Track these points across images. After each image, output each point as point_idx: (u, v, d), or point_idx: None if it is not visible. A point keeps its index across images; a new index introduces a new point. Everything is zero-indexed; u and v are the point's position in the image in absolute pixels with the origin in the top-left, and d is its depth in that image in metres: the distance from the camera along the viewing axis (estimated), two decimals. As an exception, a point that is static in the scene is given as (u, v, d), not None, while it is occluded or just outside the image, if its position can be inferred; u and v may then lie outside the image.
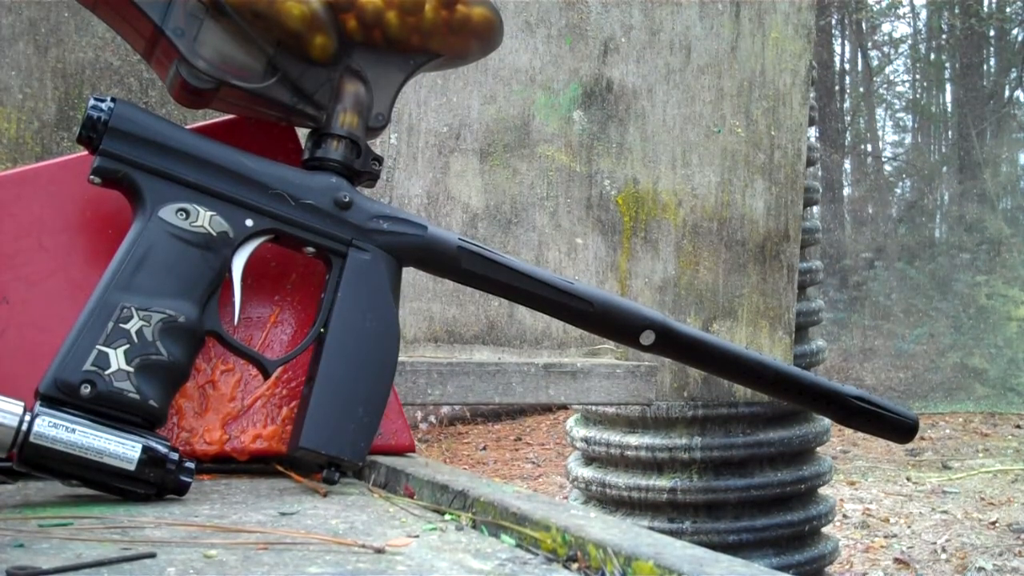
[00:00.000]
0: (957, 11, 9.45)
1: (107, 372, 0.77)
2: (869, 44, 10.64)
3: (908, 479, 4.53)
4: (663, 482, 2.12)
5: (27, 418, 0.73)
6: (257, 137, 0.93)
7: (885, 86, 10.96)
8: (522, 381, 1.39)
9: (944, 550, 3.39)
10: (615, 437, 2.18)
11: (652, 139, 1.61)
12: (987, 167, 8.84)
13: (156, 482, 0.76)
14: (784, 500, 2.15)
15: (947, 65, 10.21)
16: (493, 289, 0.94)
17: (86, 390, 0.76)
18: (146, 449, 0.76)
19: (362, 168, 0.91)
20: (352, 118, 0.90)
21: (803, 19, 1.69)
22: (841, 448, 5.21)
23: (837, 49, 10.36)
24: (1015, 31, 9.87)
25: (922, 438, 5.44)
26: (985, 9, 9.55)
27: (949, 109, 10.23)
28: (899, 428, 1.07)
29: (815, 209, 2.31)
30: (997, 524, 3.70)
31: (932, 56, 10.50)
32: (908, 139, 11.12)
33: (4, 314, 0.87)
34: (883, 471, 4.74)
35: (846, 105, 10.39)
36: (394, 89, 0.92)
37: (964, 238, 8.49)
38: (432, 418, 6.39)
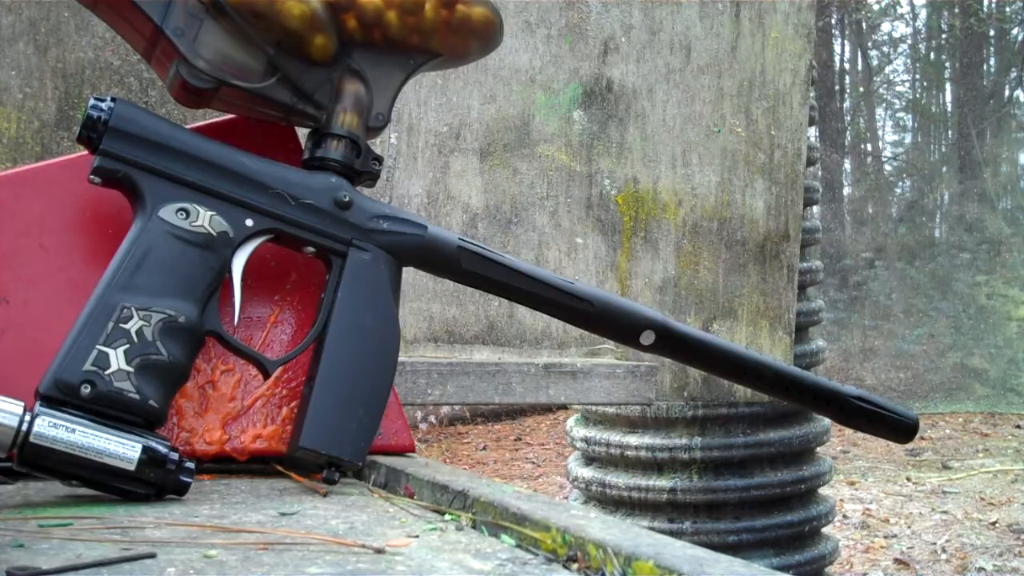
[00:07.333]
0: (957, 11, 9.44)
1: (107, 372, 0.77)
2: (869, 44, 10.64)
3: (908, 479, 4.53)
4: (663, 482, 2.12)
5: (27, 418, 0.73)
6: (257, 137, 0.93)
7: (885, 86, 10.96)
8: (522, 381, 1.39)
9: (944, 550, 3.39)
10: (615, 437, 2.18)
11: (652, 139, 1.61)
12: (987, 167, 8.84)
13: (156, 482, 0.76)
14: (784, 500, 2.15)
15: (947, 65, 10.21)
16: (493, 289, 0.94)
17: (86, 390, 0.76)
18: (146, 449, 0.76)
19: (362, 168, 0.91)
20: (352, 118, 0.90)
21: (803, 19, 1.69)
22: (841, 448, 5.20)
23: (837, 49, 10.36)
24: (1015, 31, 9.87)
25: (922, 438, 5.44)
26: (985, 9, 9.55)
27: (949, 109, 10.22)
28: (899, 428, 1.07)
29: (815, 209, 2.31)
30: (997, 524, 3.70)
31: (932, 56, 10.50)
32: (908, 139, 11.12)
33: (4, 314, 0.87)
34: (883, 471, 4.74)
35: (846, 105, 10.39)
36: (394, 89, 0.92)
37: (964, 238, 8.48)
38: (432, 418, 6.39)
